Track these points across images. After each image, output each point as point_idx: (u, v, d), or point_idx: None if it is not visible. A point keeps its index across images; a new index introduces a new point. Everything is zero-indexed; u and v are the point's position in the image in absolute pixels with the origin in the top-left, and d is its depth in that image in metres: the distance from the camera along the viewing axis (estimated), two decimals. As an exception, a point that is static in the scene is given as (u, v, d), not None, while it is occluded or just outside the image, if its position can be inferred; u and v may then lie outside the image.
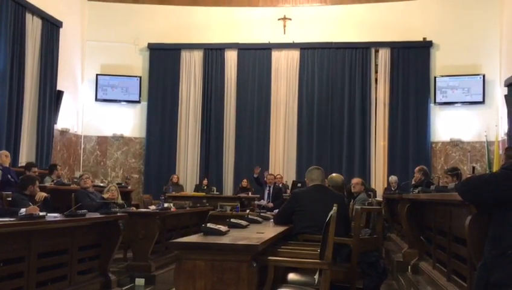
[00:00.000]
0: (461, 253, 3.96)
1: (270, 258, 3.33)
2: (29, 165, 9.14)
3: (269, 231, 4.15)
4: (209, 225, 3.65)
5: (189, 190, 13.43)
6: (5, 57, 10.76)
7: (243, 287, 3.01)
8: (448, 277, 4.37)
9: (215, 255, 3.06)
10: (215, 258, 3.04)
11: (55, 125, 12.60)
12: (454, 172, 6.94)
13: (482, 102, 13.03)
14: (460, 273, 4.04)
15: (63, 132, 13.22)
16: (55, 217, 5.08)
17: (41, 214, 4.71)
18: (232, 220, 4.48)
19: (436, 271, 4.91)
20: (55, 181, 8.99)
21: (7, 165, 8.17)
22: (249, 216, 5.42)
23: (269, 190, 11.21)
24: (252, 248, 3.06)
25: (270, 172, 13.15)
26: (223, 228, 3.66)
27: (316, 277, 3.56)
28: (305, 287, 3.53)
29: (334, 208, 3.42)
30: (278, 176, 12.81)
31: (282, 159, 14.03)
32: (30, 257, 4.63)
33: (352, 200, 6.49)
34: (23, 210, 4.75)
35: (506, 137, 11.74)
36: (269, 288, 3.28)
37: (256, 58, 14.32)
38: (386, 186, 12.64)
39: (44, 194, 6.87)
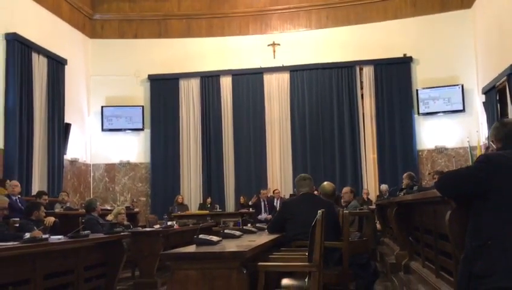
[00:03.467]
0: (447, 249, 3.82)
1: (259, 264, 3.19)
2: (39, 194, 9.05)
3: (261, 239, 4.01)
4: (201, 236, 3.51)
5: (193, 209, 13.29)
6: (14, 94, 10.70)
7: (233, 293, 2.87)
8: (437, 274, 4.22)
9: (205, 263, 2.93)
10: (205, 266, 2.92)
11: (64, 156, 12.49)
12: (440, 173, 6.82)
13: (463, 110, 12.95)
14: (448, 269, 3.89)
15: (73, 162, 13.11)
16: (59, 238, 4.94)
17: (44, 236, 4.58)
18: (226, 231, 4.34)
19: (426, 269, 4.76)
20: (64, 207, 8.87)
21: (17, 194, 8.06)
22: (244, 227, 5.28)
23: (264, 204, 11.13)
24: (240, 254, 2.93)
25: (268, 187, 13.09)
26: (215, 238, 3.52)
27: (307, 280, 3.42)
28: (297, 291, 3.38)
29: (319, 212, 3.29)
30: (276, 191, 12.74)
31: (279, 174, 13.90)
32: (36, 278, 4.50)
33: (344, 208, 6.36)
34: (27, 234, 4.64)
35: (487, 141, 11.63)
36: (261, 293, 3.14)
37: (249, 82, 14.29)
38: (378, 194, 12.49)
39: (53, 219, 6.77)
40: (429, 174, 7.95)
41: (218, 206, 12.92)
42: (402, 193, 6.28)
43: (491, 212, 2.53)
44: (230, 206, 13.80)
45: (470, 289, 2.53)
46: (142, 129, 14.28)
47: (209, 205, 13.08)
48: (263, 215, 10.85)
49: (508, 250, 2.42)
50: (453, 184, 2.73)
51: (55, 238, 4.96)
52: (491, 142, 2.81)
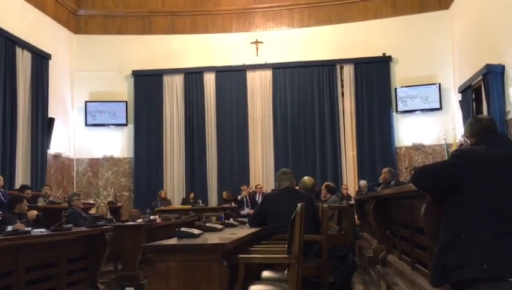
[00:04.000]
0: (423, 243, 3.86)
1: (240, 256, 3.19)
2: (22, 188, 8.94)
3: (242, 232, 4.02)
4: (182, 229, 3.50)
5: (176, 204, 13.23)
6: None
7: (214, 285, 2.87)
8: (413, 266, 4.26)
9: (186, 255, 2.92)
10: (186, 258, 2.91)
11: (48, 150, 12.34)
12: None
13: (440, 108, 13.08)
14: (423, 261, 3.93)
15: (56, 156, 12.96)
16: (41, 231, 4.89)
17: (27, 229, 4.53)
18: (208, 224, 4.34)
19: (402, 262, 4.80)
20: (47, 201, 8.77)
21: None
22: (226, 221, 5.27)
23: (246, 199, 11.13)
24: (221, 246, 2.93)
25: (250, 183, 13.10)
26: (196, 231, 3.51)
27: (286, 272, 3.43)
28: (276, 283, 3.39)
29: (298, 205, 3.30)
30: (258, 186, 12.75)
31: (261, 170, 13.91)
32: (18, 271, 4.45)
33: (324, 203, 6.39)
34: (10, 227, 4.58)
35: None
36: (241, 285, 3.14)
37: (232, 79, 14.26)
38: (357, 190, 12.57)
39: (36, 212, 6.69)
40: (406, 169, 8.02)
41: (201, 201, 12.88)
42: (380, 188, 6.33)
43: (464, 205, 2.55)
44: (213, 201, 13.78)
45: (443, 279, 2.56)
46: (125, 124, 14.17)
47: (192, 200, 13.04)
48: (245, 210, 10.84)
49: (480, 243, 2.45)
50: (428, 177, 2.75)
51: (38, 231, 4.90)
52: (465, 138, 2.84)
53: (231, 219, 7.72)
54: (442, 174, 2.65)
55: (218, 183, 13.99)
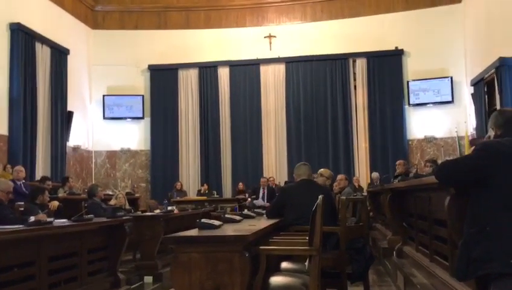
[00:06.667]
0: (441, 234, 3.77)
1: (261, 247, 3.13)
2: (43, 179, 8.96)
3: (261, 223, 3.95)
4: (203, 220, 3.44)
5: (192, 195, 13.20)
6: (18, 83, 10.56)
7: (236, 276, 2.80)
8: (431, 258, 4.18)
9: (208, 247, 2.85)
10: (208, 250, 2.84)
11: (67, 143, 12.38)
12: (433, 162, 6.79)
13: (451, 101, 12.90)
14: (442, 253, 3.85)
15: (75, 148, 13.00)
16: (63, 222, 4.87)
17: (48, 220, 4.50)
18: (227, 215, 4.27)
19: (420, 253, 4.72)
20: (67, 192, 8.78)
21: (21, 179, 7.96)
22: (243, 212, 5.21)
23: (264, 191, 11.04)
24: (243, 238, 2.86)
25: (263, 175, 13.01)
26: (216, 223, 3.45)
27: (307, 263, 3.36)
28: (297, 274, 3.32)
29: (320, 197, 3.22)
30: (271, 178, 12.67)
31: (274, 162, 13.85)
32: (40, 260, 4.43)
33: (337, 195, 6.31)
34: (32, 218, 4.56)
35: (474, 132, 11.61)
36: (262, 276, 3.07)
37: (246, 73, 14.18)
38: (369, 182, 12.46)
39: (57, 203, 6.69)
40: (426, 161, 7.88)
41: (215, 192, 12.85)
42: (397, 180, 6.23)
43: (490, 198, 2.46)
44: (227, 192, 13.75)
45: (468, 273, 2.48)
46: (142, 118, 14.17)
47: (206, 192, 13.01)
48: (261, 201, 10.76)
49: (506, 236, 2.36)
50: (452, 173, 2.66)
51: (60, 221, 4.89)
52: (490, 129, 2.74)
53: (245, 210, 7.68)
54: (466, 169, 2.56)
55: (232, 175, 13.96)
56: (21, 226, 4.23)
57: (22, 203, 5.56)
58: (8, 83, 10.47)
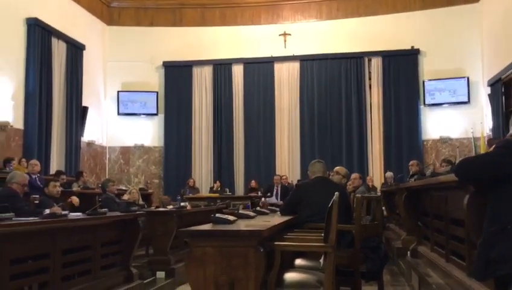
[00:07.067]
0: (458, 234, 3.72)
1: (276, 243, 3.11)
2: (58, 173, 9.01)
3: (275, 219, 3.93)
4: (217, 215, 3.43)
5: (204, 193, 13.21)
6: (34, 78, 10.66)
7: (250, 271, 2.78)
8: (447, 258, 4.12)
9: (223, 241, 2.84)
10: (223, 244, 2.83)
11: (82, 138, 12.46)
12: (448, 162, 6.73)
13: (468, 102, 12.76)
14: (459, 253, 3.79)
15: (90, 144, 13.08)
16: (77, 215, 4.88)
17: (63, 213, 4.52)
18: (241, 211, 4.26)
19: (435, 253, 4.66)
20: (81, 186, 8.83)
21: (36, 173, 8.02)
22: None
23: (277, 189, 11.01)
24: (258, 233, 2.84)
25: (276, 173, 12.98)
26: (231, 218, 3.44)
27: (322, 261, 3.34)
28: (312, 271, 3.29)
29: (336, 193, 3.19)
30: (284, 177, 12.63)
31: (287, 161, 13.80)
32: (55, 253, 4.44)
33: (352, 194, 6.26)
34: (47, 210, 4.58)
35: (491, 133, 11.47)
36: (276, 272, 3.06)
37: (260, 70, 14.15)
38: (383, 182, 12.37)
39: (77, 199, 6.73)
40: (442, 161, 7.79)
41: (228, 189, 12.85)
42: (413, 179, 6.16)
43: (511, 197, 2.42)
44: (239, 190, 13.73)
45: (487, 273, 2.44)
46: (156, 114, 14.21)
47: (219, 189, 13.01)
48: (274, 199, 10.72)
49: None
50: (472, 169, 2.62)
51: (74, 215, 4.90)
52: (511, 127, 2.69)
53: (257, 207, 7.66)
54: (487, 165, 2.52)
55: (244, 172, 13.94)
56: (36, 218, 4.25)
57: (37, 196, 5.59)
58: (25, 78, 10.56)
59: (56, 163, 11.18)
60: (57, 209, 4.62)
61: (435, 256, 4.57)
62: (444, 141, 13.01)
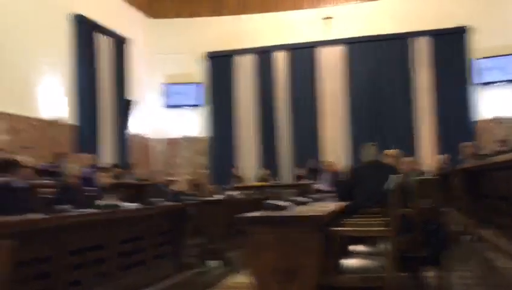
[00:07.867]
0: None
1: (336, 229, 3.02)
2: (112, 166, 9.21)
3: (331, 205, 3.83)
4: (269, 201, 3.36)
5: (251, 181, 13.18)
6: (84, 74, 10.91)
7: (310, 257, 2.71)
8: (513, 241, 3.93)
9: (282, 227, 2.77)
10: (282, 230, 2.76)
11: (129, 131, 12.66)
12: (504, 142, 6.45)
13: (522, 79, 12.19)
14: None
15: (136, 136, 13.28)
16: (129, 206, 4.94)
17: (117, 203, 4.58)
18: (294, 197, 4.18)
19: (499, 236, 4.46)
20: (133, 178, 8.98)
21: (89, 166, 8.20)
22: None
23: (327, 176, 10.87)
24: (318, 218, 2.76)
25: (323, 160, 12.80)
26: (283, 204, 3.36)
27: (379, 246, 3.23)
28: (373, 257, 3.19)
29: (394, 177, 3.07)
30: (331, 163, 12.42)
31: (334, 147, 13.57)
32: (110, 243, 4.50)
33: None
34: (101, 202, 4.65)
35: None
36: (336, 258, 2.97)
37: (303, 56, 13.92)
38: (436, 165, 11.96)
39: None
40: (498, 141, 7.48)
41: (276, 178, 12.80)
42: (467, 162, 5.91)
43: None
44: (285, 178, 13.62)
45: None
46: (201, 105, 14.28)
47: (266, 177, 12.95)
48: (323, 186, 10.57)
49: None
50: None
51: (127, 205, 4.96)
52: None
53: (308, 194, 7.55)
54: None
55: (290, 160, 13.83)
56: (92, 210, 4.31)
57: (91, 188, 5.69)
58: (76, 75, 10.77)
59: (107, 156, 11.42)
60: (110, 200, 4.67)
61: (499, 239, 4.37)
62: (498, 121, 12.46)
